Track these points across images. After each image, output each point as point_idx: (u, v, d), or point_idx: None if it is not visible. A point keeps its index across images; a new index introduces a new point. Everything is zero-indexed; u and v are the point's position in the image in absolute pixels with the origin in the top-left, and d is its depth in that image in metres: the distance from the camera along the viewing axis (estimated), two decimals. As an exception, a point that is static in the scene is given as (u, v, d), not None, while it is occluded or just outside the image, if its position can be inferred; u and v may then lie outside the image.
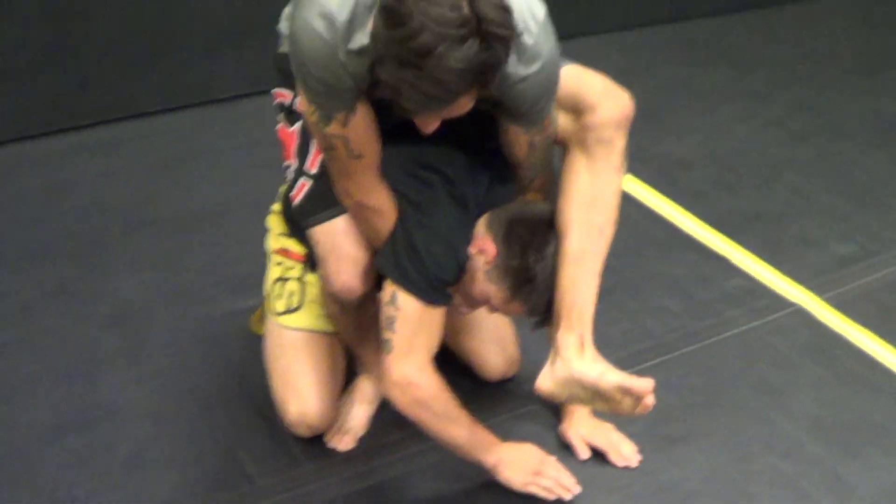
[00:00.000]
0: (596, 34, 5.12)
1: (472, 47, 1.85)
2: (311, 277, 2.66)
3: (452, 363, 2.73)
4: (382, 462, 2.66)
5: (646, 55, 5.11)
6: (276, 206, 2.79)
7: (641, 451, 2.72)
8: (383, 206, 2.31)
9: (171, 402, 2.81)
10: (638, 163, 4.06)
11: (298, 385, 2.63)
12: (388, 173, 2.30)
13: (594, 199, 2.35)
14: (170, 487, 2.55)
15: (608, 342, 3.05)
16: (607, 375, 2.29)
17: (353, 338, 2.67)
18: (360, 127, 2.17)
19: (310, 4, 2.01)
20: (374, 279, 2.42)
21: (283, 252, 2.72)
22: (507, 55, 1.97)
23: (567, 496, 2.52)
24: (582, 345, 2.33)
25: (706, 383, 2.98)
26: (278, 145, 2.57)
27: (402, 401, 2.37)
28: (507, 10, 1.89)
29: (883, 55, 5.35)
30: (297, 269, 2.69)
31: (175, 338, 3.05)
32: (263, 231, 3.13)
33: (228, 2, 4.25)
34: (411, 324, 2.33)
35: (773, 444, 2.78)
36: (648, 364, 3.03)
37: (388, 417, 2.77)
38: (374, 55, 1.94)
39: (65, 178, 3.80)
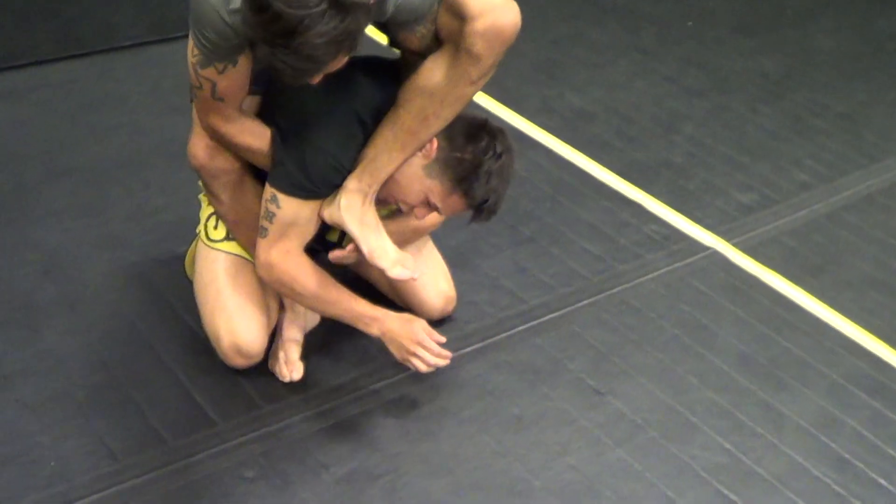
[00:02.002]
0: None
1: (331, 20, 1.96)
2: None
3: (392, 307, 2.76)
4: (341, 401, 2.70)
5: (539, 11, 5.19)
6: None
7: (586, 385, 2.83)
8: (246, 137, 2.48)
9: (119, 349, 2.79)
10: (543, 114, 4.18)
11: (229, 309, 2.65)
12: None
13: (435, 94, 2.38)
14: (131, 434, 2.54)
15: (539, 285, 3.19)
16: (368, 240, 2.52)
17: (234, 227, 2.71)
18: (233, 78, 2.34)
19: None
20: (228, 161, 2.57)
21: None
22: (367, 19, 2.08)
23: (442, 363, 2.61)
24: (365, 198, 2.49)
25: (637, 322, 3.11)
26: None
27: (268, 280, 2.57)
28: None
29: (761, 16, 5.55)
30: None
31: (111, 284, 3.02)
32: (183, 178, 3.15)
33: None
34: (287, 218, 2.48)
35: (705, 378, 2.93)
36: (581, 304, 3.15)
37: (342, 356, 2.82)
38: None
39: (-30, 127, 3.70)
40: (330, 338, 2.87)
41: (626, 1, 5.46)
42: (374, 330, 2.59)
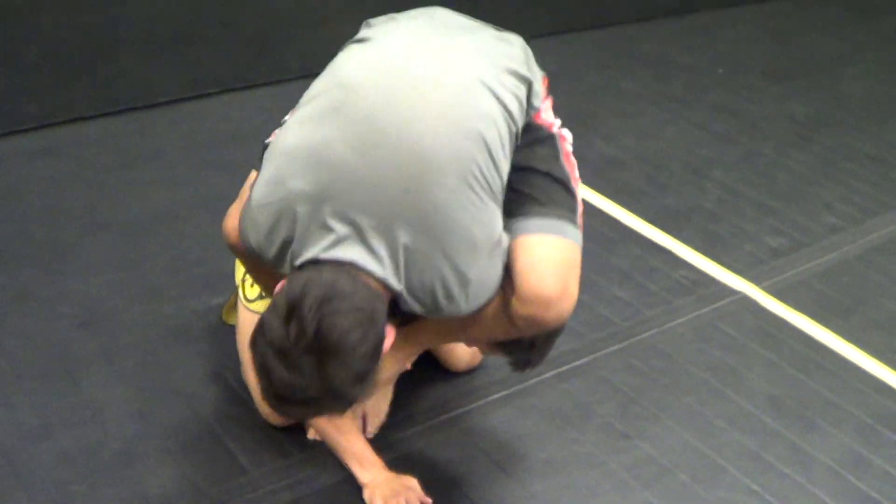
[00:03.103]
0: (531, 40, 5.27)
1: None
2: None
3: (421, 360, 2.77)
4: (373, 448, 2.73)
5: (570, 61, 5.27)
6: None
7: (614, 429, 2.85)
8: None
9: (154, 399, 2.84)
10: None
11: None
12: None
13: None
14: (165, 482, 2.58)
15: (569, 332, 3.21)
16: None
17: (267, 291, 2.67)
18: None
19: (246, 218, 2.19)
20: None
21: None
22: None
23: None
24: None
25: (666, 366, 3.13)
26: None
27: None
28: (359, 380, 1.97)
29: (789, 62, 5.61)
30: None
31: (148, 336, 3.08)
32: (219, 230, 3.18)
33: (165, 6, 4.28)
34: None
35: (734, 420, 2.94)
36: (611, 349, 3.17)
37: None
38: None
39: (13, 182, 3.78)
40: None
41: (657, 50, 5.52)
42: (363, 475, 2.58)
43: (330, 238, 2.04)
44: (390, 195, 2.02)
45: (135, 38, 4.27)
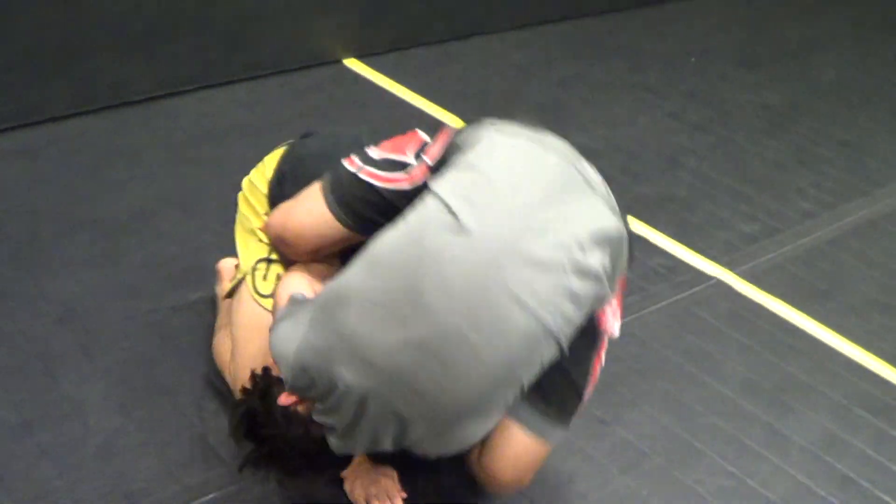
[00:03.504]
0: (496, 33, 5.32)
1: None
2: None
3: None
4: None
5: (544, 52, 5.29)
6: (254, 185, 2.80)
7: (592, 415, 2.87)
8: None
9: (134, 394, 2.84)
10: (548, 154, 4.23)
11: (260, 358, 2.62)
12: None
13: None
14: (145, 476, 2.59)
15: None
16: None
17: None
18: None
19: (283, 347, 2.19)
20: None
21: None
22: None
23: None
24: None
25: (643, 352, 3.16)
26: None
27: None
28: None
29: (761, 50, 5.65)
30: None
31: (126, 332, 3.08)
32: (195, 226, 3.22)
33: (138, 4, 4.28)
34: None
35: (711, 404, 2.97)
36: (587, 337, 3.19)
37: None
38: None
39: (-12, 183, 3.79)
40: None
41: (630, 40, 5.55)
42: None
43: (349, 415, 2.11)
44: (423, 412, 2.07)
45: (109, 36, 4.26)
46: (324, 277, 2.45)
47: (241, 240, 2.83)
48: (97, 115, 4.25)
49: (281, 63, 4.77)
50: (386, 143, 2.44)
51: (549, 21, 5.60)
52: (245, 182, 2.86)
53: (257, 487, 2.57)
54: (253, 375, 2.41)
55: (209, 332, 3.02)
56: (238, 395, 2.66)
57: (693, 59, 5.39)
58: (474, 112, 4.41)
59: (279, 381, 2.28)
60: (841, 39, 5.94)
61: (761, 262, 3.67)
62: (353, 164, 2.39)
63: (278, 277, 2.64)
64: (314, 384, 2.12)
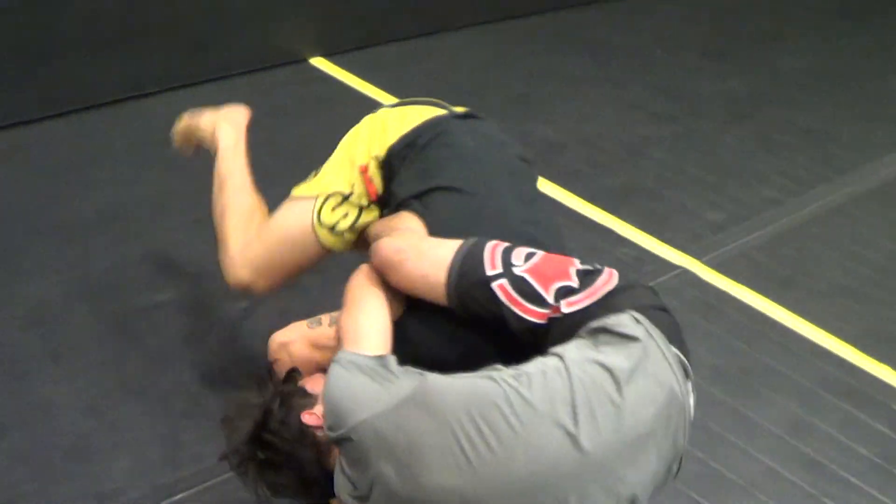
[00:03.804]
0: (463, 28, 5.34)
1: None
2: (367, 215, 2.61)
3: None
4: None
5: (510, 47, 5.32)
6: (385, 126, 2.65)
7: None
8: None
9: (104, 396, 2.85)
10: (515, 147, 4.26)
11: (273, 270, 2.68)
12: None
13: None
14: (118, 476, 2.60)
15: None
16: None
17: None
18: None
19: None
20: None
21: (364, 172, 2.60)
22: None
23: None
24: None
25: (610, 342, 3.18)
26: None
27: None
28: None
29: (726, 40, 5.69)
30: (364, 200, 2.61)
31: (95, 335, 3.08)
32: (164, 226, 3.26)
33: (104, 6, 4.27)
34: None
35: (678, 392, 2.99)
36: (555, 328, 3.21)
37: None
38: None
39: (-44, 188, 3.79)
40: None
41: (596, 33, 5.58)
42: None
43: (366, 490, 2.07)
44: None
45: (75, 39, 4.25)
46: None
47: (339, 158, 2.69)
48: (64, 119, 4.24)
49: (247, 63, 4.78)
50: (538, 264, 2.24)
51: (515, 16, 5.62)
52: (382, 114, 2.73)
53: (230, 483, 2.59)
54: (273, 372, 2.39)
55: (179, 332, 3.05)
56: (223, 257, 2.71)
57: (659, 51, 5.43)
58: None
59: (304, 392, 2.25)
60: (805, 28, 5.98)
61: (727, 249, 3.71)
62: (493, 265, 2.24)
63: (344, 216, 2.61)
64: (356, 454, 2.04)
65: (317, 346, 2.56)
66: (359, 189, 2.60)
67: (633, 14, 5.93)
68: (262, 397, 2.25)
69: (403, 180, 2.52)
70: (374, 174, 2.59)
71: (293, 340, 2.61)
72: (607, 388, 1.97)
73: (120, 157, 4.02)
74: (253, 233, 2.70)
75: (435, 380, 2.04)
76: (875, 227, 3.94)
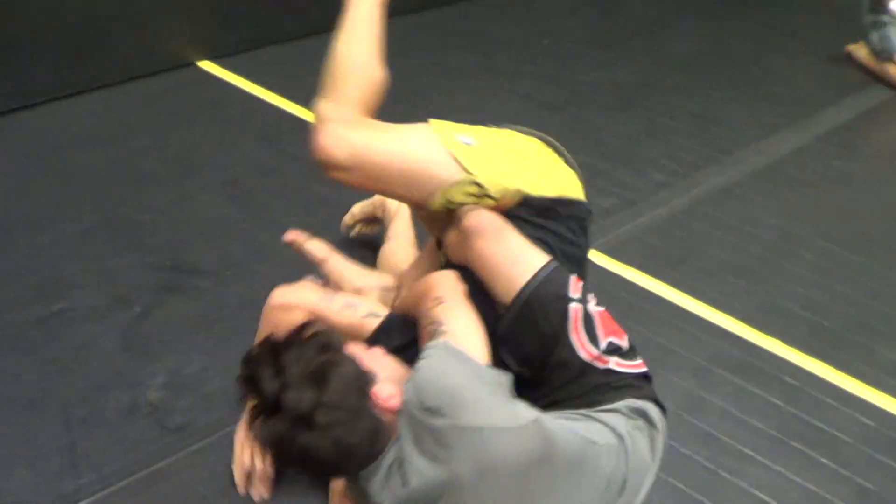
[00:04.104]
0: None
1: None
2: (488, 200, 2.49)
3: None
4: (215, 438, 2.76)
5: (397, 43, 5.28)
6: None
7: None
8: None
9: (1, 409, 2.82)
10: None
11: (371, 177, 2.44)
12: None
13: None
14: (19, 486, 2.57)
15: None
16: None
17: None
18: None
19: None
20: None
21: (507, 197, 2.50)
22: None
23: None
24: None
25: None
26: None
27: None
28: None
29: (612, 29, 5.78)
30: (489, 203, 2.48)
31: (-12, 349, 3.05)
32: (46, 241, 3.35)
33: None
34: None
35: (575, 375, 3.03)
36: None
37: (212, 395, 2.88)
38: None
39: None
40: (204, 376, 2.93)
41: (482, 26, 5.62)
42: None
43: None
44: None
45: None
46: None
47: (510, 165, 2.61)
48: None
49: (133, 69, 4.74)
50: (603, 313, 2.44)
51: (402, 12, 5.60)
52: (540, 149, 2.77)
53: (129, 489, 2.57)
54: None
55: (74, 340, 3.02)
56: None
57: (545, 42, 5.48)
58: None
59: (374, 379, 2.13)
60: (688, 15, 6.09)
61: (619, 234, 3.76)
62: (575, 290, 2.36)
63: (465, 201, 2.47)
64: (443, 445, 2.02)
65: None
66: (495, 199, 2.48)
67: (518, 6, 5.99)
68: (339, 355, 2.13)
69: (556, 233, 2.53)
70: (512, 200, 2.51)
71: (296, 308, 2.53)
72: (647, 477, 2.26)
73: (4, 170, 3.96)
74: (375, 123, 2.50)
75: (548, 420, 2.12)
76: (762, 205, 4.02)
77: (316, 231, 3.58)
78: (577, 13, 5.99)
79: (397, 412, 2.08)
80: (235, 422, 2.69)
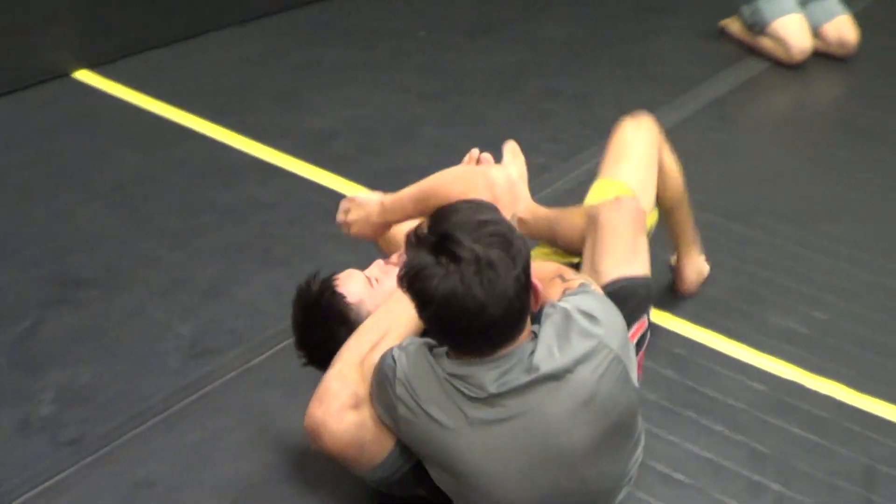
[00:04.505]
0: (226, 28, 5.31)
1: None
2: None
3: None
4: (115, 443, 2.73)
5: (276, 42, 5.30)
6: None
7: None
8: None
9: None
10: (286, 141, 4.28)
11: None
12: None
13: None
14: None
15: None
16: None
17: None
18: None
19: None
20: None
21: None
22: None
23: None
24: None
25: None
26: None
27: None
28: None
29: (490, 16, 5.80)
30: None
31: None
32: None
33: None
34: None
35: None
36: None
37: (108, 403, 2.85)
38: None
39: None
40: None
41: (360, 21, 5.62)
42: None
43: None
44: None
45: None
46: None
47: None
48: None
49: (8, 83, 4.65)
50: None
51: (278, 11, 5.62)
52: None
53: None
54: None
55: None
56: None
57: (423, 33, 5.49)
58: (212, 109, 4.42)
59: None
60: (563, -1, 6.16)
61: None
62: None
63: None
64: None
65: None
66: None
67: (395, 1, 5.98)
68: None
69: None
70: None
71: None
72: None
73: None
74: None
75: None
76: (643, 182, 4.07)
77: (203, 236, 3.58)
78: (452, 2, 6.00)
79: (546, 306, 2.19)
80: (131, 430, 2.68)
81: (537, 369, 2.10)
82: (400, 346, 2.25)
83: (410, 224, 2.51)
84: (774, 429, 2.92)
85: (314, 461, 2.67)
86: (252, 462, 2.70)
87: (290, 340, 3.06)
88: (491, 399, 2.11)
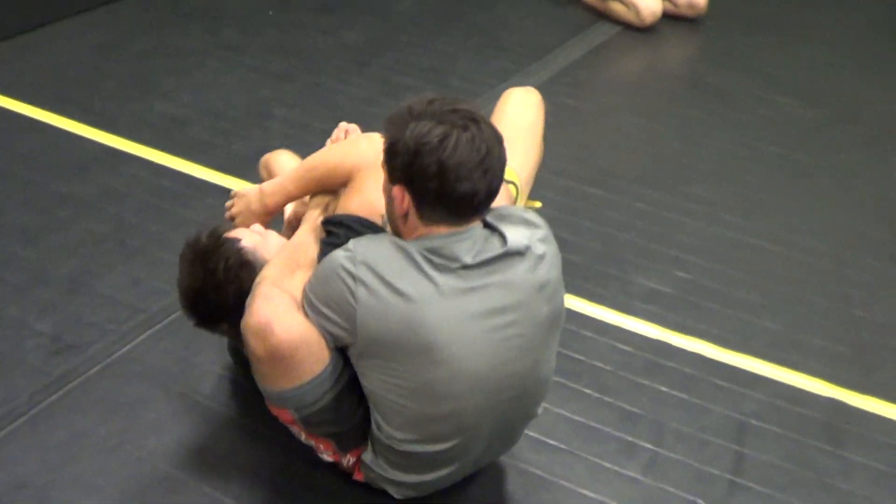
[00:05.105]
0: (68, 17, 5.15)
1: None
2: None
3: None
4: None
5: (120, 28, 5.17)
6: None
7: (215, 374, 2.86)
8: None
9: None
10: (136, 129, 4.17)
11: None
12: None
13: None
14: None
15: (156, 292, 3.20)
16: None
17: None
18: None
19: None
20: None
21: None
22: None
23: None
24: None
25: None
26: None
27: None
28: None
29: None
30: None
31: None
32: None
33: None
34: None
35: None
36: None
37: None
38: None
39: None
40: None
41: (207, 2, 5.51)
42: None
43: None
44: None
45: None
46: None
47: None
48: None
49: None
50: None
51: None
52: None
53: None
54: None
55: None
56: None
57: (270, 12, 5.42)
58: (58, 100, 4.29)
59: None
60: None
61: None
62: None
63: None
64: None
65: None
66: None
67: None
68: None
69: None
70: None
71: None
72: None
73: None
74: None
75: None
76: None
77: (57, 230, 3.48)
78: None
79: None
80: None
81: (507, 243, 2.22)
82: (344, 247, 2.24)
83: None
84: (644, 389, 2.96)
85: (183, 451, 2.63)
86: (121, 456, 2.63)
87: (152, 331, 3.04)
88: (465, 269, 2.20)
